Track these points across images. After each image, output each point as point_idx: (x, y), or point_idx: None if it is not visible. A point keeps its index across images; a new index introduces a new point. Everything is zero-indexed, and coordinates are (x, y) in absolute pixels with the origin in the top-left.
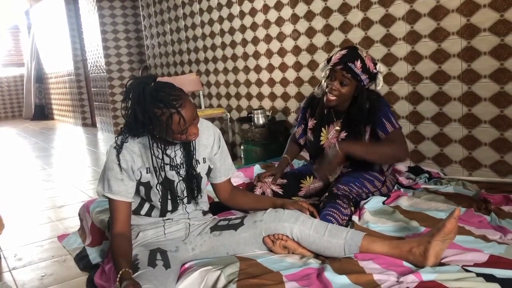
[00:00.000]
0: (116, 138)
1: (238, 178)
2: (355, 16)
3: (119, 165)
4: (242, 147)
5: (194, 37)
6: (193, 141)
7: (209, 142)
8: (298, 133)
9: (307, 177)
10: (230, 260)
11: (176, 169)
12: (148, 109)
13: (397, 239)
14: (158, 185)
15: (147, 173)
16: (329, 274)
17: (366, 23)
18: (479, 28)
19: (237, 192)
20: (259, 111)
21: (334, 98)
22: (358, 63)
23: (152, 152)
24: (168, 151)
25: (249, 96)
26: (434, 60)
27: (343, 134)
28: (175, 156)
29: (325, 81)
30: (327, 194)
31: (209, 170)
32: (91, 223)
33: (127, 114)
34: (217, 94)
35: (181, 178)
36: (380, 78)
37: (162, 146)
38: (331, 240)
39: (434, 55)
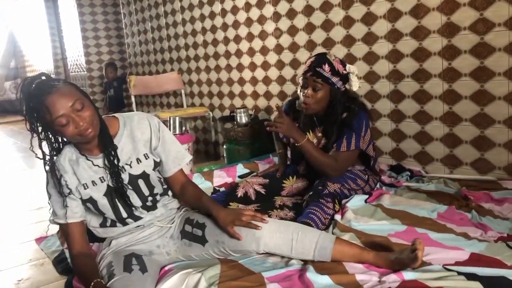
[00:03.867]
0: (48, 161)
1: (221, 177)
2: (337, 15)
3: (56, 188)
4: (224, 146)
5: (176, 35)
6: (114, 148)
7: (145, 137)
8: None
9: (290, 177)
10: (211, 262)
11: (112, 176)
12: (25, 107)
13: (367, 251)
14: (102, 197)
15: (85, 189)
16: (311, 275)
17: (348, 22)
18: (459, 26)
19: (187, 187)
20: (242, 110)
21: (308, 104)
22: (326, 67)
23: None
24: (94, 162)
25: (231, 95)
26: (415, 58)
27: (323, 141)
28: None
29: (300, 91)
30: (311, 192)
31: (156, 164)
32: None
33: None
34: (199, 93)
35: (112, 188)
36: (352, 78)
37: (85, 156)
38: (300, 255)
39: (415, 54)
